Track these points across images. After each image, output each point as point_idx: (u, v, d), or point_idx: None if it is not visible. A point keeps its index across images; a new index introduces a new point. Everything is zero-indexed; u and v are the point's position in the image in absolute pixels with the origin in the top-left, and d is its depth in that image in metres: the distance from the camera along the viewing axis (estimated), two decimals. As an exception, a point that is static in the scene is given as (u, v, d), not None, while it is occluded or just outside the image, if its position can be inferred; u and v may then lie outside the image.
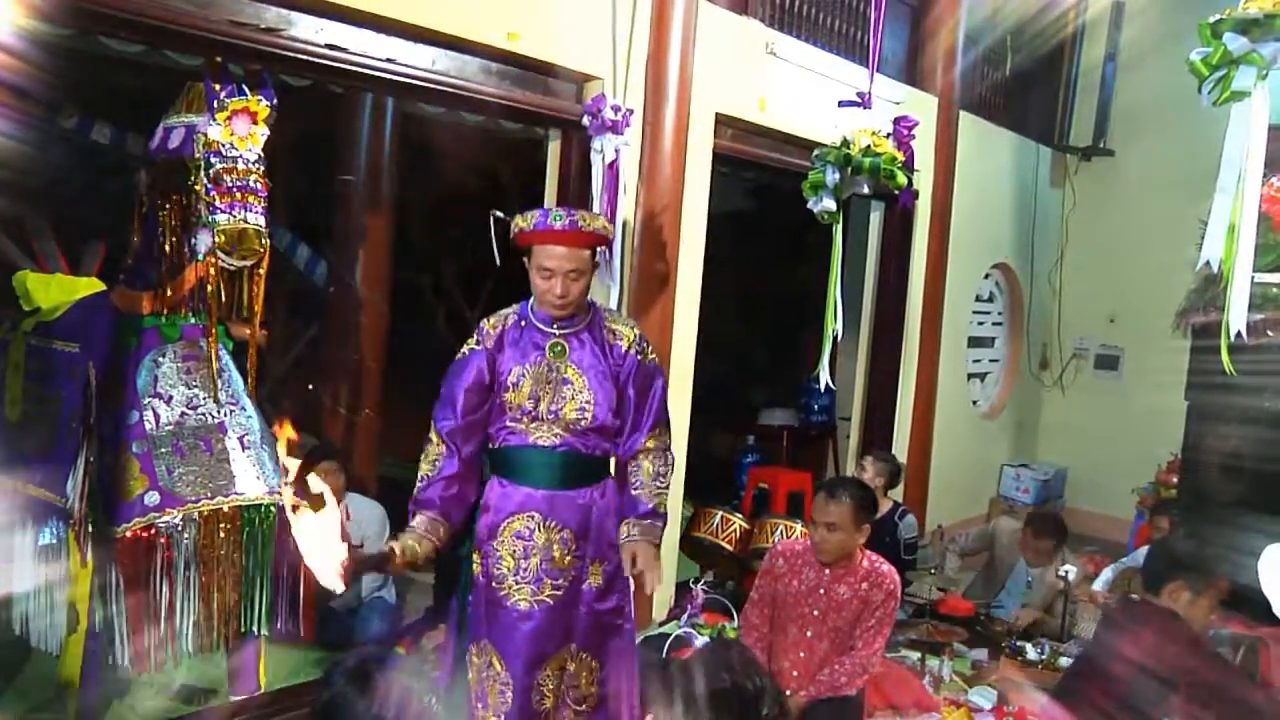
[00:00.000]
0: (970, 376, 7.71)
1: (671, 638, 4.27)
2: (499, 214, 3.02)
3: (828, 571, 3.52)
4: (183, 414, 3.21)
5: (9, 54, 2.55)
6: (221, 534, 3.10)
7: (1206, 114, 2.69)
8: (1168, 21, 6.89)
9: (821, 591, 3.52)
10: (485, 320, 2.97)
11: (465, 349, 2.93)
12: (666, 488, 2.97)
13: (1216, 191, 2.58)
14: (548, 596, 2.84)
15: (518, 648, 2.83)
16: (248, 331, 3.21)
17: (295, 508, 2.25)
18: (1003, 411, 8.06)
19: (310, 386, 5.49)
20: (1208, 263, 2.63)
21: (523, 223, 2.81)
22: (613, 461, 3.00)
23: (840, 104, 3.98)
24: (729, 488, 7.01)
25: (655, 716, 2.02)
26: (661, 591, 4.60)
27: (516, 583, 2.82)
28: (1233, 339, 2.51)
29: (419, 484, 2.86)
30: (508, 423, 2.85)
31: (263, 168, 3.03)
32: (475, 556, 2.87)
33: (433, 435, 2.88)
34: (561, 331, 2.89)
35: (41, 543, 3.13)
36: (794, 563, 3.61)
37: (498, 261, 3.21)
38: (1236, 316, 2.48)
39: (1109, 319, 8.07)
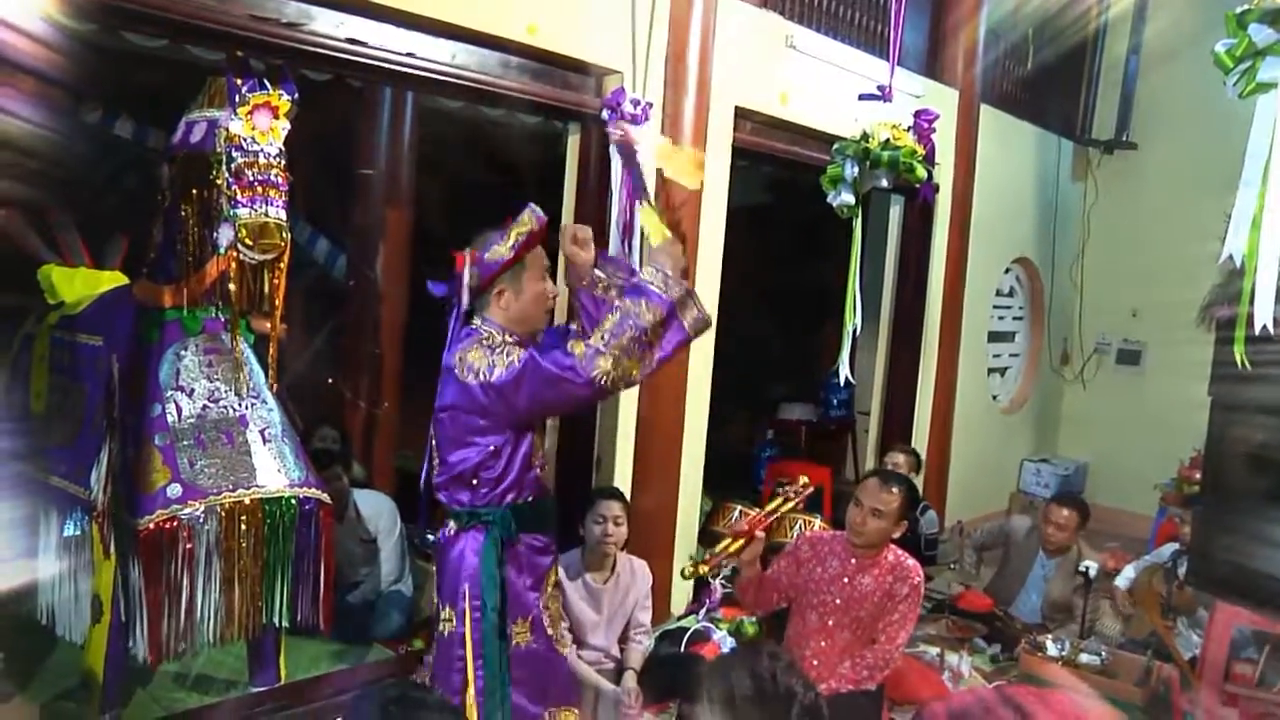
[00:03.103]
0: (990, 371, 7.67)
1: (690, 632, 4.28)
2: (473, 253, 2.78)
3: (853, 561, 3.52)
4: (204, 407, 3.24)
5: (33, 49, 2.57)
6: (243, 526, 3.12)
7: (1231, 106, 2.66)
8: (1193, 14, 6.83)
9: (845, 580, 3.52)
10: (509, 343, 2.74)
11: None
12: None
13: (1241, 184, 2.55)
14: None
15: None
16: (269, 325, 3.23)
17: None
18: (1023, 406, 8.02)
19: (330, 380, 5.52)
20: (1230, 256, 2.61)
21: (532, 224, 2.75)
22: None
23: (860, 97, 3.97)
24: (747, 482, 7.01)
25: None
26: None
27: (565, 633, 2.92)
28: (1258, 332, 2.48)
29: None
30: (536, 471, 2.84)
31: (284, 162, 3.04)
32: (522, 626, 2.84)
33: None
34: None
35: (66, 534, 3.16)
36: (820, 550, 3.61)
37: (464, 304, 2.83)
38: (1262, 310, 2.46)
39: (1131, 313, 8.02)
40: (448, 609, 2.78)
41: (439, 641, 2.83)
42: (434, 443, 2.80)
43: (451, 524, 2.79)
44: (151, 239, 3.42)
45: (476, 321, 2.78)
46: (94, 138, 4.78)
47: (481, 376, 2.59)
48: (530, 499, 2.80)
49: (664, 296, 2.59)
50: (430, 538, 5.24)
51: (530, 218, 2.75)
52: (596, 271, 2.94)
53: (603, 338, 2.53)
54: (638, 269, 4.00)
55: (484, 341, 2.69)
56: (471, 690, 2.71)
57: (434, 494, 2.83)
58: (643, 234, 4.07)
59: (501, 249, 2.71)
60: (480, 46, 3.76)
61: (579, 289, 2.93)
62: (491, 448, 2.68)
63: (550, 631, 2.90)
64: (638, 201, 3.03)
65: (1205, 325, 3.46)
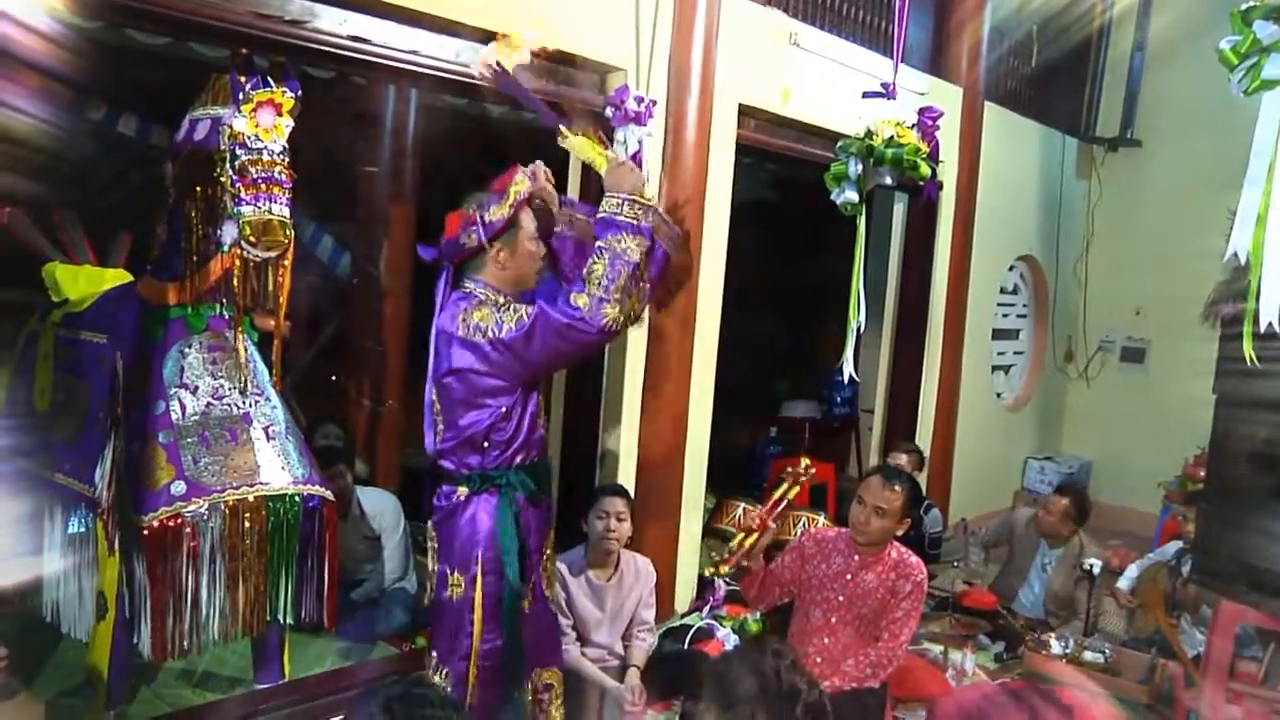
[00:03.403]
0: (994, 369, 7.67)
1: (694, 629, 4.28)
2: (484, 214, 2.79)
3: (856, 558, 3.52)
4: (208, 404, 3.24)
5: (38, 47, 2.57)
6: (246, 524, 3.12)
7: (1236, 104, 2.65)
8: (1197, 10, 6.82)
9: (848, 577, 3.52)
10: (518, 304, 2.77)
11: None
12: None
13: (1245, 183, 2.54)
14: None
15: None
16: (272, 323, 3.23)
17: None
18: (1027, 404, 8.01)
19: (334, 377, 5.52)
20: (1235, 254, 2.60)
21: (526, 183, 2.78)
22: None
23: (864, 95, 3.96)
24: (751, 479, 7.01)
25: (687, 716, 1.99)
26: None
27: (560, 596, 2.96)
28: (1263, 329, 2.48)
29: None
30: (541, 431, 2.84)
31: (287, 159, 3.04)
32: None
33: None
34: None
35: (70, 531, 3.16)
36: (824, 547, 3.61)
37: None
38: (1268, 307, 2.45)
39: (1135, 311, 8.01)
40: (456, 574, 2.75)
41: (443, 607, 2.80)
42: (436, 410, 2.80)
43: (461, 489, 2.76)
44: (155, 236, 3.42)
45: (469, 284, 2.79)
46: (98, 135, 4.78)
47: (490, 334, 2.62)
48: (535, 459, 2.83)
49: (642, 225, 2.62)
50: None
51: (524, 178, 2.78)
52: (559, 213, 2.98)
53: (601, 285, 2.55)
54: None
55: (485, 302, 2.71)
56: (475, 654, 2.73)
57: (439, 460, 2.83)
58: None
59: (502, 208, 2.74)
60: (484, 44, 3.75)
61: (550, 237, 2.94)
62: (503, 409, 2.69)
63: (548, 593, 2.92)
64: (558, 134, 3.03)
65: (1210, 322, 3.45)
